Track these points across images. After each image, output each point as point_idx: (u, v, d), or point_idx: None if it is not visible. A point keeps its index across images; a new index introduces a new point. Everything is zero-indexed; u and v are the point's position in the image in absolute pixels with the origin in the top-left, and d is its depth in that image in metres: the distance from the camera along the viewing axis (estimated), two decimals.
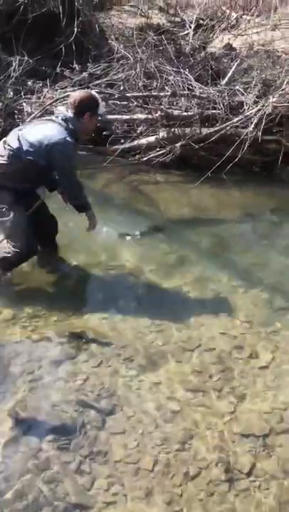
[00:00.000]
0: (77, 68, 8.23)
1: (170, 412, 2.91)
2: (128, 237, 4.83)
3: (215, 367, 3.28)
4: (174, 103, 6.59)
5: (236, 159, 5.69)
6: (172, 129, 6.30)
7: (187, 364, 3.30)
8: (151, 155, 6.37)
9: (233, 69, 7.02)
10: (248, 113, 6.05)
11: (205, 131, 6.14)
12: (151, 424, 2.82)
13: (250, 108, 6.09)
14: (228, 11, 10.50)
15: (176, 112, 6.40)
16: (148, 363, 3.30)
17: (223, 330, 3.62)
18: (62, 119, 3.79)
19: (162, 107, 6.37)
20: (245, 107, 6.17)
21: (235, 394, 3.08)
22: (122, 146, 6.54)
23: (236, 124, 6.05)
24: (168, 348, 3.44)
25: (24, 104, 6.84)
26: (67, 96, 6.93)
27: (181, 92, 6.51)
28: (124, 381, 3.14)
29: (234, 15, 10.53)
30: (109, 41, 9.26)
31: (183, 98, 6.53)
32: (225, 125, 6.02)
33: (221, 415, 2.92)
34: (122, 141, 6.75)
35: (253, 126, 5.90)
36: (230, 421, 2.89)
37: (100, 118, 4.19)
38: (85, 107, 3.80)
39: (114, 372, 3.21)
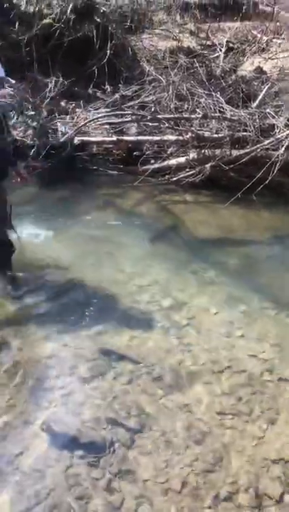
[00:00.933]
0: (109, 90, 8.45)
1: (199, 433, 2.91)
2: (156, 257, 4.88)
3: (244, 389, 3.27)
4: (205, 125, 6.67)
5: (267, 181, 5.71)
6: (202, 151, 6.36)
7: (216, 386, 3.29)
8: (181, 175, 6.44)
9: (263, 92, 7.09)
10: (279, 136, 6.08)
11: (235, 152, 6.18)
12: (181, 445, 2.82)
13: (281, 131, 6.13)
14: (258, 35, 10.62)
15: (206, 134, 6.48)
16: (177, 383, 3.31)
17: (253, 352, 3.61)
18: None
19: (193, 128, 6.46)
20: (276, 130, 6.20)
21: (265, 418, 3.06)
22: (153, 167, 6.63)
23: (267, 147, 6.08)
24: (197, 369, 3.44)
25: (59, 124, 7.02)
26: (101, 117, 7.15)
27: (212, 115, 6.59)
28: (153, 400, 3.16)
29: (265, 38, 10.64)
30: (141, 63, 9.48)
31: (214, 120, 6.61)
32: (255, 147, 6.06)
33: (250, 439, 2.91)
34: (153, 161, 6.84)
35: (283, 148, 5.92)
36: (260, 445, 2.87)
37: None
38: None
39: (143, 391, 3.23)
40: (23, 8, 9.39)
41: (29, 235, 5.16)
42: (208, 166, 6.25)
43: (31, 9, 9.31)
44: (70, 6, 9.08)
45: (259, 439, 2.90)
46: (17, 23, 8.98)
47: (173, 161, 6.63)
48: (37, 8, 9.17)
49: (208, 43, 10.55)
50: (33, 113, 7.02)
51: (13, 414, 2.96)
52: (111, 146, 7.06)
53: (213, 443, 2.85)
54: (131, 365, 3.44)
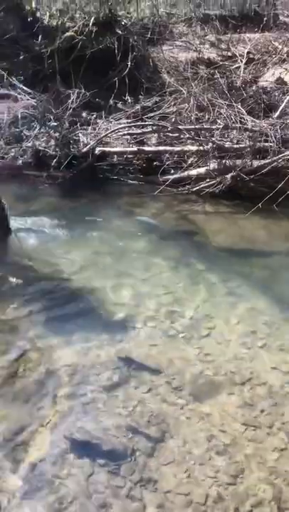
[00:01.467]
0: (130, 101, 8.55)
1: (221, 444, 2.89)
2: (177, 266, 4.89)
3: (266, 401, 3.24)
4: (226, 135, 6.70)
5: (288, 191, 5.69)
6: (223, 161, 6.38)
7: (238, 397, 3.27)
8: (202, 185, 6.46)
9: (285, 102, 7.10)
10: None
11: (256, 163, 6.18)
12: (202, 456, 2.81)
13: None
14: (279, 46, 10.63)
15: (227, 144, 6.49)
16: (198, 393, 3.30)
17: (275, 364, 3.58)
18: None
19: (214, 139, 6.49)
20: None
21: (286, 430, 3.03)
22: (173, 177, 6.66)
23: (288, 157, 6.07)
24: (218, 380, 3.43)
25: (80, 134, 7.12)
26: (122, 128, 7.23)
27: (233, 125, 6.61)
28: (174, 409, 3.15)
29: (285, 49, 10.64)
30: (162, 75, 9.57)
31: (234, 131, 6.63)
32: (277, 157, 6.06)
33: (272, 451, 2.88)
34: (173, 171, 6.88)
35: None
36: (282, 458, 2.84)
37: None
38: None
39: (163, 400, 3.23)
40: (46, 21, 9.61)
41: (50, 242, 5.23)
42: (228, 176, 6.26)
43: (54, 22, 9.52)
44: (92, 19, 9.25)
45: (281, 451, 2.87)
46: (40, 36, 9.18)
47: (193, 171, 6.65)
48: (60, 22, 9.37)
49: (229, 54, 10.59)
50: (55, 124, 7.14)
51: (35, 422, 2.99)
52: (132, 156, 7.13)
53: (235, 454, 2.83)
54: (151, 375, 3.44)
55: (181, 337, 3.91)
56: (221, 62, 9.86)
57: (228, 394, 3.30)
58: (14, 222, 5.43)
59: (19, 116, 7.31)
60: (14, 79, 7.89)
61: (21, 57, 8.97)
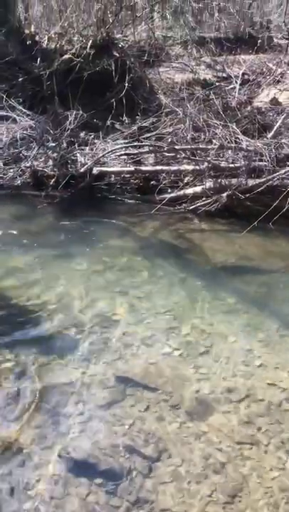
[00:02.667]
0: (127, 121, 8.68)
1: (218, 463, 2.89)
2: (174, 284, 4.93)
3: (263, 419, 3.24)
4: (221, 155, 6.79)
5: (283, 210, 5.76)
6: (219, 180, 6.46)
7: (235, 415, 3.28)
8: (198, 204, 6.52)
9: (279, 122, 7.21)
10: None
11: (251, 182, 6.26)
12: (199, 475, 2.80)
13: None
14: (273, 67, 10.84)
15: (223, 164, 6.59)
16: (195, 411, 3.30)
17: (272, 381, 3.59)
18: None
19: (209, 158, 6.58)
20: None
21: (284, 448, 3.02)
22: (169, 196, 6.72)
23: (283, 176, 6.15)
24: (215, 397, 3.43)
25: (78, 154, 7.21)
26: (119, 148, 7.34)
27: (228, 145, 6.71)
28: (171, 428, 3.15)
29: (279, 70, 10.85)
30: (158, 96, 9.73)
31: (230, 150, 6.72)
32: (271, 176, 6.14)
33: (269, 470, 2.87)
34: (169, 190, 6.96)
35: None
36: (280, 477, 2.83)
37: None
38: None
39: (160, 419, 3.23)
40: (45, 44, 9.81)
41: (48, 261, 5.27)
42: (224, 195, 6.33)
43: (53, 45, 9.71)
44: (90, 42, 9.44)
45: (279, 469, 2.87)
46: (39, 59, 9.36)
47: (189, 190, 6.73)
48: (58, 45, 9.56)
49: (224, 75, 10.79)
50: (53, 144, 7.24)
51: (31, 441, 2.98)
52: (129, 175, 7.22)
53: (233, 473, 2.83)
54: (148, 392, 3.45)
55: (178, 355, 3.92)
56: (216, 83, 10.04)
57: (225, 412, 3.30)
58: (12, 241, 5.48)
59: (18, 137, 7.41)
60: (13, 100, 8.01)
61: (20, 80, 9.12)
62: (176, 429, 3.14)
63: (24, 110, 7.88)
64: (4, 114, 7.87)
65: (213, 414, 3.27)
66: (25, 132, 7.44)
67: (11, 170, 7.23)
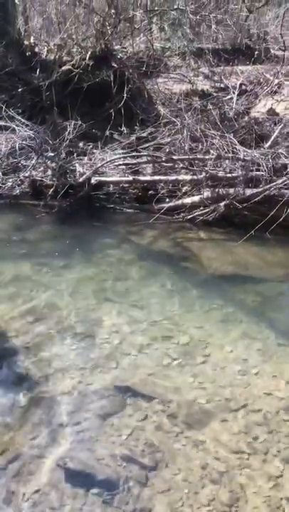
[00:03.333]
0: (125, 132, 8.75)
1: (216, 472, 2.89)
2: (172, 293, 4.95)
3: (260, 428, 3.25)
4: (219, 165, 6.84)
5: (280, 219, 5.80)
6: (216, 190, 6.51)
7: (232, 424, 3.28)
8: (195, 213, 6.56)
9: (276, 133, 7.27)
10: None
11: (248, 191, 6.31)
12: (197, 484, 2.80)
13: None
14: (270, 78, 10.95)
15: (220, 174, 6.63)
16: (192, 421, 3.30)
17: (269, 390, 3.60)
18: None
19: (207, 168, 6.63)
20: None
21: (281, 457, 3.03)
22: (168, 205, 6.76)
23: (280, 186, 6.20)
24: (212, 407, 3.44)
25: (77, 164, 7.26)
26: (117, 158, 7.39)
27: (226, 155, 6.76)
28: (169, 437, 3.16)
29: (276, 81, 10.96)
30: (157, 106, 9.82)
31: (227, 160, 6.77)
32: (268, 186, 6.18)
33: (267, 479, 2.88)
34: (167, 199, 7.00)
35: None
36: (277, 485, 2.84)
37: None
38: None
39: (158, 428, 3.23)
40: (44, 55, 9.91)
41: (45, 270, 5.29)
42: (222, 204, 6.37)
43: (52, 57, 9.80)
44: (89, 53, 9.54)
45: (276, 478, 2.87)
46: (38, 70, 9.45)
47: (187, 200, 6.77)
48: (57, 56, 9.65)
49: (222, 85, 10.89)
50: (52, 154, 7.29)
51: (29, 451, 2.98)
52: (127, 185, 7.26)
53: (230, 482, 2.83)
54: (146, 402, 3.45)
55: (176, 364, 3.93)
56: (214, 94, 10.13)
57: (223, 421, 3.31)
58: (11, 250, 5.51)
59: (17, 147, 7.46)
60: (13, 111, 8.07)
61: (20, 90, 9.21)
62: (173, 439, 3.14)
63: (23, 120, 7.94)
64: (3, 124, 7.93)
65: (211, 424, 3.27)
66: (24, 142, 7.49)
67: (10, 179, 7.28)
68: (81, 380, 3.64)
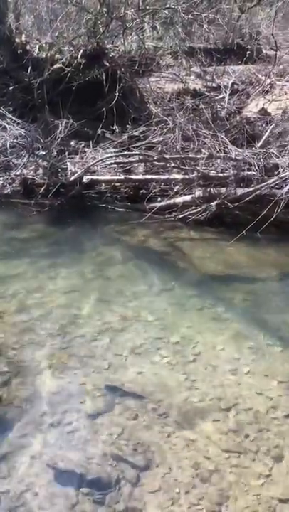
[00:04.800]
0: (117, 130, 8.73)
1: (206, 471, 2.89)
2: (163, 293, 4.95)
3: (251, 427, 3.26)
4: (210, 164, 6.85)
5: (271, 219, 5.81)
6: (208, 189, 6.52)
7: (223, 423, 3.29)
8: (187, 213, 6.57)
9: (267, 132, 7.30)
10: (282, 175, 6.22)
11: (240, 191, 6.33)
12: (187, 483, 2.80)
13: (285, 170, 6.28)
14: (262, 78, 10.98)
15: (212, 173, 6.65)
16: (183, 420, 3.31)
17: (260, 390, 3.61)
18: None
19: (199, 168, 6.64)
20: (280, 169, 6.36)
21: (271, 456, 3.04)
22: (159, 204, 6.77)
23: (271, 185, 6.22)
24: (203, 406, 3.44)
25: (68, 163, 7.24)
26: (109, 157, 7.37)
27: (217, 155, 6.77)
28: (160, 437, 3.16)
29: (268, 81, 10.99)
30: (149, 105, 9.80)
31: (219, 160, 6.79)
32: (260, 186, 6.20)
33: (256, 477, 2.89)
34: (159, 199, 7.00)
35: (288, 187, 6.05)
36: (267, 484, 2.85)
37: None
38: None
39: (149, 428, 3.23)
40: (36, 53, 9.85)
41: (36, 269, 5.27)
42: (213, 203, 6.39)
43: (43, 55, 9.75)
44: (81, 51, 9.50)
45: (266, 477, 2.88)
46: (30, 68, 9.39)
47: (179, 199, 6.78)
48: (49, 54, 9.60)
49: (214, 85, 10.91)
50: (43, 153, 7.26)
51: (19, 451, 2.97)
52: (119, 184, 7.25)
53: (220, 481, 2.83)
54: (137, 401, 3.45)
55: (166, 363, 3.93)
56: (206, 93, 10.15)
57: (214, 420, 3.31)
58: (1, 249, 5.48)
59: (8, 145, 7.41)
60: (3, 109, 8.02)
61: (11, 88, 9.16)
62: (164, 438, 3.14)
63: (14, 119, 7.89)
64: None
65: (202, 423, 3.28)
66: (15, 141, 7.45)
67: (1, 178, 7.26)
68: (71, 380, 3.62)
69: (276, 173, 6.41)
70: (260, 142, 7.14)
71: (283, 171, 6.29)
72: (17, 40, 10.03)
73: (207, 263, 5.76)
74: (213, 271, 5.59)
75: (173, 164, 7.02)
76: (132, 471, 2.88)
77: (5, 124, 7.70)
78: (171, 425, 3.25)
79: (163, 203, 6.82)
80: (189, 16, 10.45)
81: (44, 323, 4.31)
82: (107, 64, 9.47)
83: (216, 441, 3.13)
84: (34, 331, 4.18)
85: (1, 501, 2.63)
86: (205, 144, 6.99)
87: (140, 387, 3.59)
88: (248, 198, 6.16)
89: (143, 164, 7.43)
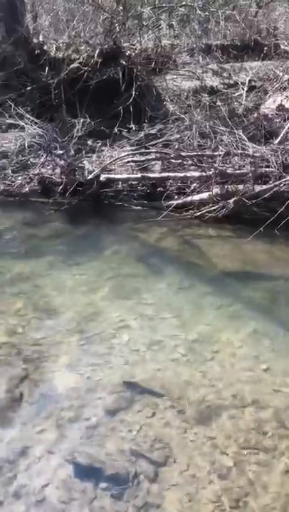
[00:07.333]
0: (134, 129, 8.75)
1: (224, 468, 2.89)
2: (180, 290, 4.95)
3: (269, 424, 3.24)
4: (228, 161, 6.82)
5: None
6: (225, 186, 6.49)
7: (241, 420, 3.28)
8: (204, 210, 6.55)
9: (286, 128, 7.23)
10: None
11: (258, 188, 6.28)
12: (205, 479, 2.80)
13: None
14: (280, 74, 10.87)
15: (229, 170, 6.61)
16: (201, 417, 3.30)
17: (278, 387, 3.58)
18: None
19: (216, 165, 6.61)
20: None
21: None
22: (176, 202, 6.76)
23: None
24: (221, 403, 3.43)
25: (85, 162, 7.28)
26: (126, 155, 7.39)
27: (235, 152, 6.74)
28: (178, 433, 3.16)
29: (286, 77, 10.87)
30: (165, 103, 9.81)
31: (236, 157, 6.75)
32: (278, 182, 6.16)
33: (275, 475, 2.87)
34: (176, 196, 6.99)
35: None
36: (286, 482, 2.83)
37: None
38: None
39: (167, 424, 3.24)
40: (52, 54, 9.93)
41: (54, 267, 5.31)
42: (231, 201, 6.35)
43: (60, 55, 9.83)
44: (97, 50, 9.55)
45: (285, 474, 2.86)
46: (47, 68, 9.48)
47: (196, 197, 6.76)
48: (66, 54, 9.68)
49: (231, 82, 10.84)
50: (61, 152, 7.31)
51: (37, 445, 3.00)
52: (136, 182, 7.26)
53: (238, 478, 2.83)
54: (155, 398, 3.46)
55: (185, 360, 3.92)
56: (223, 90, 10.10)
57: (232, 417, 3.30)
58: (19, 247, 5.54)
59: (26, 145, 7.49)
60: (21, 109, 8.11)
61: (28, 88, 9.26)
62: (182, 435, 3.15)
63: (32, 118, 7.97)
64: (13, 122, 7.97)
65: (220, 420, 3.27)
66: (33, 140, 7.53)
67: (19, 177, 7.32)
68: (90, 376, 3.65)
69: None
70: (278, 139, 7.09)
71: None
72: (34, 40, 10.14)
73: (224, 261, 5.73)
74: (230, 268, 5.56)
75: (190, 162, 7.00)
76: (151, 466, 2.89)
77: (23, 123, 7.78)
78: (190, 422, 3.25)
79: (180, 201, 6.81)
80: (206, 13, 10.40)
81: (62, 319, 4.35)
82: (124, 62, 9.51)
83: (234, 438, 3.12)
84: (52, 328, 4.22)
85: (20, 494, 2.66)
86: (222, 141, 6.96)
87: (158, 384, 3.60)
88: (266, 195, 6.12)
89: (160, 162, 7.43)
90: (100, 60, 9.47)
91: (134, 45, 10.70)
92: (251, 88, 9.98)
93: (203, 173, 6.76)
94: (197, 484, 2.77)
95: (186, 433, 3.15)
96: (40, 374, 3.65)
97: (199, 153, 6.96)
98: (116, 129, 8.58)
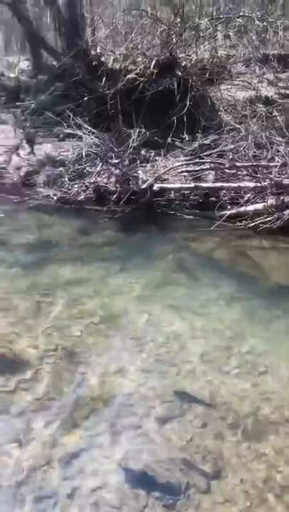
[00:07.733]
0: (188, 139, 8.78)
1: (278, 486, 2.82)
2: (233, 301, 4.89)
3: None
4: (284, 172, 6.71)
5: None
6: (281, 197, 6.39)
7: None
8: (259, 221, 6.46)
9: None
10: None
11: None
12: (259, 496, 2.74)
13: None
14: None
15: (285, 181, 6.50)
16: (253, 431, 3.24)
17: None
18: None
19: (272, 176, 6.52)
20: None
21: None
22: (229, 212, 6.71)
23: None
24: (275, 418, 3.36)
25: (140, 171, 7.38)
26: (180, 165, 7.43)
27: None
28: (229, 446, 3.12)
29: None
30: (220, 113, 9.78)
31: None
32: None
33: None
34: (229, 206, 6.94)
35: None
36: None
37: None
38: None
39: (218, 436, 3.20)
40: (110, 65, 10.16)
41: (107, 274, 5.39)
42: (286, 212, 6.24)
43: (117, 66, 10.03)
44: (154, 61, 9.67)
45: None
46: (104, 79, 9.70)
47: (250, 207, 6.69)
48: (123, 65, 9.86)
49: (287, 92, 10.69)
50: (116, 161, 7.45)
51: (91, 449, 3.05)
52: (188, 191, 7.28)
53: None
54: (205, 409, 3.43)
55: (236, 373, 3.87)
56: (279, 101, 9.97)
57: (286, 434, 3.22)
58: (74, 254, 5.67)
59: (83, 154, 7.68)
60: (79, 119, 8.34)
61: (86, 99, 9.50)
62: (234, 448, 3.10)
63: (90, 128, 8.17)
64: (71, 132, 8.20)
65: (273, 436, 3.20)
66: (89, 149, 7.71)
67: (76, 185, 7.51)
68: (141, 383, 3.67)
69: None
70: None
71: None
72: (92, 52, 10.41)
73: (278, 272, 5.63)
74: (284, 281, 5.45)
75: (245, 172, 6.94)
76: (202, 478, 2.86)
77: (81, 133, 7.98)
78: (241, 435, 3.20)
79: (233, 211, 6.76)
80: (264, 24, 10.32)
81: (114, 327, 4.40)
82: (179, 73, 9.57)
83: (288, 455, 3.04)
84: (106, 335, 4.28)
85: (74, 496, 2.71)
86: (279, 151, 6.87)
87: (209, 395, 3.57)
88: None
89: (213, 172, 7.42)
90: (155, 71, 9.57)
91: (190, 55, 10.75)
92: None
93: (258, 184, 6.68)
94: (250, 501, 2.72)
95: (238, 447, 3.10)
96: (95, 380, 3.70)
97: (254, 163, 6.90)
98: (170, 139, 8.64)
